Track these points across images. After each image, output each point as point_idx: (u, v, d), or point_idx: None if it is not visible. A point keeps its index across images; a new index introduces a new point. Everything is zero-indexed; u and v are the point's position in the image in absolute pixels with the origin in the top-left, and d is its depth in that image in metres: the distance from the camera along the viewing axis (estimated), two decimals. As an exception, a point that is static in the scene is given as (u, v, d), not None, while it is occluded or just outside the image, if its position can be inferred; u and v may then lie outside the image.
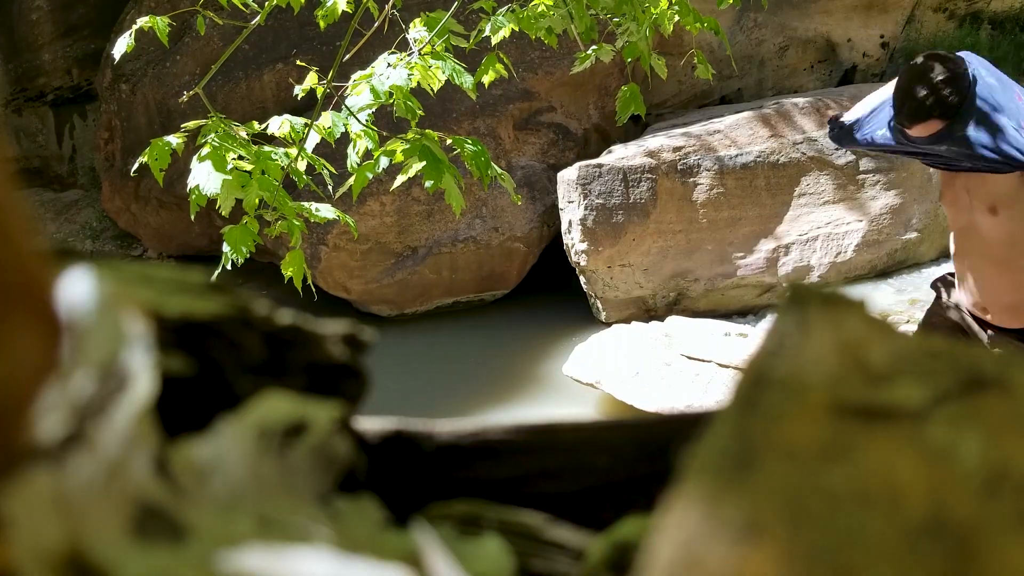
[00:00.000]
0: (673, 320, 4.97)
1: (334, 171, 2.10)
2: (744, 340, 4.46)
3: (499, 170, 2.01)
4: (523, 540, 0.32)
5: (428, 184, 1.86)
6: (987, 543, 0.21)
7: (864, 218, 6.11)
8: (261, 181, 1.89)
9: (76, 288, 0.28)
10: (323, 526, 0.29)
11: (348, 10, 2.10)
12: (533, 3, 2.23)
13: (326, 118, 1.98)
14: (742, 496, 0.22)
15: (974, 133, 2.17)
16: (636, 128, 6.55)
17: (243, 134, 1.96)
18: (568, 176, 5.59)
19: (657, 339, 4.72)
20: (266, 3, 2.09)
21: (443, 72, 1.97)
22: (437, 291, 6.12)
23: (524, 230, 6.17)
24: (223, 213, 1.86)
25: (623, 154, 5.74)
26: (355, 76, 1.97)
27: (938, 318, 2.53)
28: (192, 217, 2.05)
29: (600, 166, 5.56)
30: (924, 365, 0.25)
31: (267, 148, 1.95)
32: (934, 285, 2.63)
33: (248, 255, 1.96)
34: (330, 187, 2.08)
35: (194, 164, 1.87)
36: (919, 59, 2.21)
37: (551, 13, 2.19)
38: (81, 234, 7.56)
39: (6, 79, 8.07)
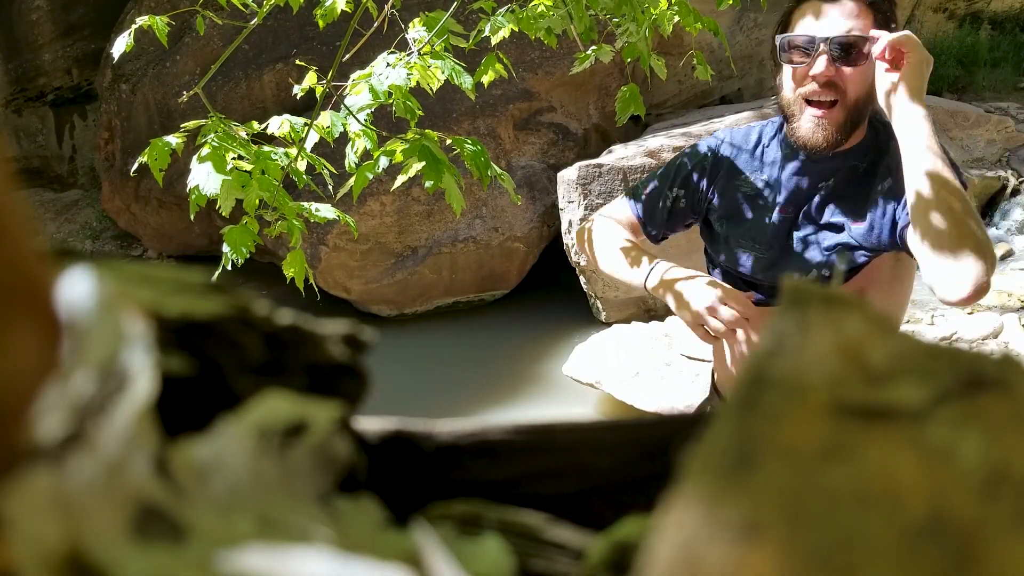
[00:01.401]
0: (673, 320, 4.98)
1: (334, 171, 2.10)
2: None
3: (499, 170, 2.00)
4: (523, 540, 0.32)
5: (428, 184, 1.86)
6: (987, 544, 0.21)
7: (864, 218, 6.11)
8: (261, 181, 1.89)
9: (76, 288, 0.28)
10: (323, 526, 0.29)
11: (347, 10, 2.10)
12: (533, 3, 2.23)
13: (325, 118, 1.98)
14: (742, 496, 0.22)
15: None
16: (636, 128, 6.55)
17: (243, 134, 1.96)
18: (568, 176, 5.59)
19: (657, 339, 4.72)
20: (265, 2, 2.09)
21: (442, 72, 1.97)
22: (437, 291, 6.12)
23: (524, 230, 6.16)
24: (223, 213, 1.86)
25: (623, 154, 5.74)
26: (354, 76, 1.97)
27: None
28: (192, 217, 2.05)
29: (600, 166, 5.56)
30: (924, 365, 0.25)
31: (267, 148, 1.95)
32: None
33: (248, 255, 1.96)
34: (330, 187, 2.08)
35: (194, 164, 1.87)
36: None
37: (551, 13, 2.19)
38: (81, 234, 7.56)
39: (6, 79, 8.08)
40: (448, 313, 6.11)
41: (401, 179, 1.97)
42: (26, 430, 0.24)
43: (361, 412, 0.36)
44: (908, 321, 5.22)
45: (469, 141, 1.97)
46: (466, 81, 1.99)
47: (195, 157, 1.88)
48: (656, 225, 1.96)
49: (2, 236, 0.24)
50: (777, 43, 1.68)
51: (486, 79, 2.25)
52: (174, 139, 1.95)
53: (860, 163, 1.73)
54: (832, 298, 0.28)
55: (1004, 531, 0.21)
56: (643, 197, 1.95)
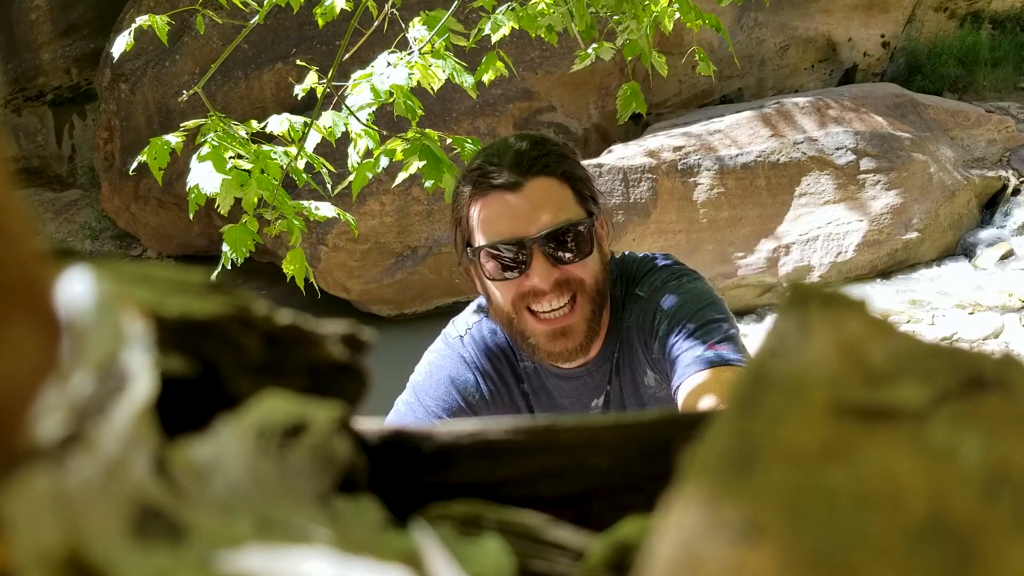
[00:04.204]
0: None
1: (333, 169, 2.10)
2: (744, 340, 4.46)
3: (499, 169, 2.00)
4: (523, 540, 0.32)
5: (428, 184, 1.86)
6: (987, 544, 0.21)
7: (865, 218, 6.11)
8: (260, 180, 1.89)
9: (75, 288, 0.28)
10: (323, 527, 0.29)
11: (347, 9, 2.10)
12: (533, 1, 2.23)
13: (326, 117, 1.98)
14: (742, 496, 0.22)
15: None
16: (636, 128, 6.56)
17: (242, 133, 1.96)
18: (568, 175, 5.58)
19: (657, 338, 4.71)
20: (265, 1, 2.09)
21: (443, 71, 1.97)
22: (437, 291, 6.12)
23: (524, 229, 6.16)
24: (222, 212, 1.86)
25: (623, 154, 5.75)
26: (355, 75, 1.97)
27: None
28: (191, 217, 2.05)
29: (600, 166, 5.57)
30: (925, 365, 0.25)
31: (266, 147, 1.95)
32: None
33: (247, 255, 1.96)
34: (329, 186, 2.08)
35: (193, 164, 1.87)
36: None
37: (551, 11, 2.19)
38: (80, 234, 7.56)
39: (5, 79, 8.08)
40: (448, 313, 6.09)
41: (401, 176, 1.98)
42: (26, 430, 0.24)
43: (361, 412, 0.36)
44: (908, 321, 5.22)
45: (469, 140, 1.97)
46: (467, 80, 1.99)
47: (195, 156, 1.88)
48: None
49: (2, 236, 0.24)
50: (470, 256, 1.29)
51: (487, 77, 2.25)
52: (174, 138, 1.95)
53: (613, 352, 1.38)
54: (833, 298, 0.28)
55: (1005, 531, 0.21)
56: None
